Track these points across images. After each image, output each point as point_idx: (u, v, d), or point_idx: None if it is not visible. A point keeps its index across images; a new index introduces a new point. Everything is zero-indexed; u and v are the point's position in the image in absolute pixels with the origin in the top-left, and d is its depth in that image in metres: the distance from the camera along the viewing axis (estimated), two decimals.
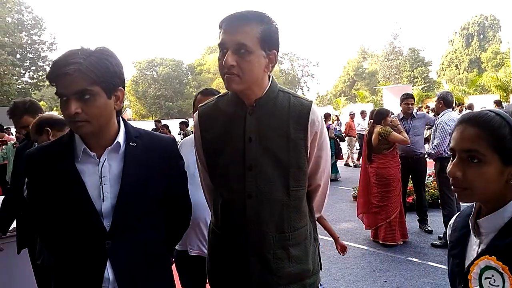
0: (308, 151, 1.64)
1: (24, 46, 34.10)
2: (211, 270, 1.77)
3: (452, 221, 1.33)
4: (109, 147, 1.52)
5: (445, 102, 5.12)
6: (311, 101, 1.68)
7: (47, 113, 2.83)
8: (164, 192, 1.63)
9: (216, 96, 1.75)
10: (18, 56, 33.68)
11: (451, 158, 1.16)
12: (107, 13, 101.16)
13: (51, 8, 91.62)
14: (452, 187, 1.15)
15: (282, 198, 1.60)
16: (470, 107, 12.21)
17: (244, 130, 1.59)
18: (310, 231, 1.72)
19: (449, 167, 1.14)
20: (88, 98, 1.38)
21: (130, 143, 1.56)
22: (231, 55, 1.49)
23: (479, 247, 1.14)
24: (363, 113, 14.38)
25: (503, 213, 1.10)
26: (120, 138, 1.54)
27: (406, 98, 5.86)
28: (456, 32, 50.07)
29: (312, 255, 1.71)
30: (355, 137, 13.75)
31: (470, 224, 1.19)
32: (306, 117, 1.61)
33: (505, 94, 18.56)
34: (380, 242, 5.32)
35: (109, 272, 1.48)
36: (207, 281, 1.83)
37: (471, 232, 1.18)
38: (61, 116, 2.76)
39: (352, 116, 14.36)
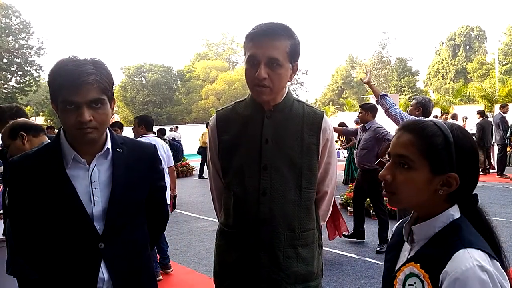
0: (319, 156, 1.75)
1: (11, 50, 33.69)
2: (219, 272, 1.84)
3: (394, 227, 1.36)
4: (99, 153, 1.58)
5: (424, 110, 4.56)
6: (323, 111, 1.82)
7: (20, 119, 2.77)
8: (147, 197, 1.70)
9: (234, 102, 1.88)
10: (4, 60, 33.27)
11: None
12: (96, 18, 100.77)
13: (39, 12, 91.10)
14: (383, 190, 1.15)
15: (294, 197, 1.71)
16: (454, 117, 12.38)
17: (261, 132, 1.71)
18: (317, 237, 1.82)
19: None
20: (99, 107, 1.47)
21: (117, 149, 1.62)
22: (264, 68, 1.60)
23: (409, 254, 1.16)
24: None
25: (435, 222, 1.10)
26: (109, 144, 1.61)
27: (361, 108, 5.73)
28: (443, 43, 50.73)
29: (317, 260, 1.81)
30: None
31: (404, 230, 1.20)
32: (319, 125, 1.76)
33: (489, 104, 18.82)
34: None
35: (103, 272, 1.54)
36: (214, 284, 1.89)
37: (404, 238, 1.20)
38: (35, 122, 2.74)
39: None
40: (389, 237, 5.40)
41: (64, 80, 1.42)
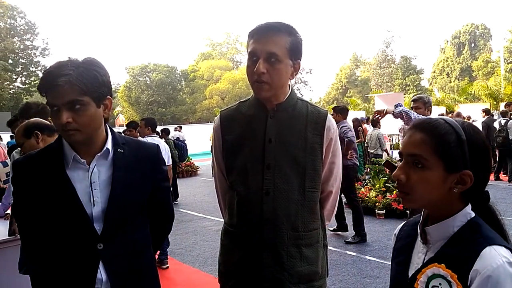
0: (323, 155, 1.75)
1: (16, 51, 33.93)
2: (223, 272, 1.84)
3: (397, 230, 1.33)
4: (99, 154, 1.57)
5: (427, 105, 4.51)
6: (327, 110, 1.81)
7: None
8: (149, 198, 1.69)
9: (238, 101, 1.88)
10: (10, 61, 33.47)
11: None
12: (100, 18, 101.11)
13: (44, 13, 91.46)
14: (397, 190, 1.14)
15: (298, 197, 1.70)
16: (458, 115, 12.30)
17: (265, 132, 1.71)
18: (321, 236, 1.82)
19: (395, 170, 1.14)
20: (79, 108, 1.44)
21: (118, 150, 1.62)
22: (262, 63, 1.61)
23: (425, 255, 1.13)
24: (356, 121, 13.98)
25: (453, 222, 1.09)
26: (109, 145, 1.60)
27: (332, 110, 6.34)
28: (447, 41, 50.53)
29: (322, 260, 1.80)
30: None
31: (418, 231, 1.18)
32: (323, 124, 1.75)
33: (495, 103, 18.73)
34: None
35: (101, 273, 1.54)
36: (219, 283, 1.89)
37: (418, 239, 1.18)
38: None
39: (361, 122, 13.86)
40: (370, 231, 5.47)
41: (43, 82, 1.44)
